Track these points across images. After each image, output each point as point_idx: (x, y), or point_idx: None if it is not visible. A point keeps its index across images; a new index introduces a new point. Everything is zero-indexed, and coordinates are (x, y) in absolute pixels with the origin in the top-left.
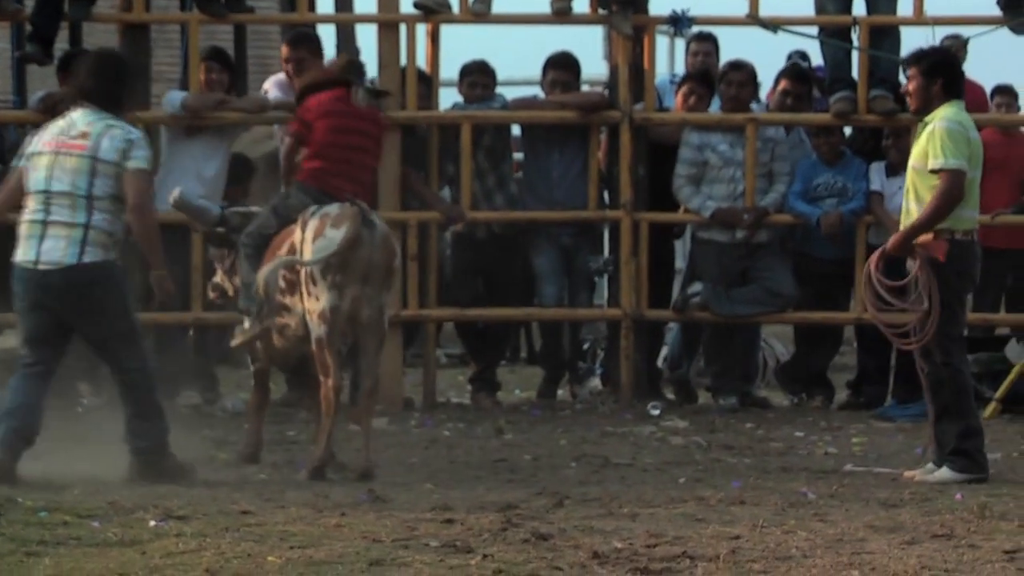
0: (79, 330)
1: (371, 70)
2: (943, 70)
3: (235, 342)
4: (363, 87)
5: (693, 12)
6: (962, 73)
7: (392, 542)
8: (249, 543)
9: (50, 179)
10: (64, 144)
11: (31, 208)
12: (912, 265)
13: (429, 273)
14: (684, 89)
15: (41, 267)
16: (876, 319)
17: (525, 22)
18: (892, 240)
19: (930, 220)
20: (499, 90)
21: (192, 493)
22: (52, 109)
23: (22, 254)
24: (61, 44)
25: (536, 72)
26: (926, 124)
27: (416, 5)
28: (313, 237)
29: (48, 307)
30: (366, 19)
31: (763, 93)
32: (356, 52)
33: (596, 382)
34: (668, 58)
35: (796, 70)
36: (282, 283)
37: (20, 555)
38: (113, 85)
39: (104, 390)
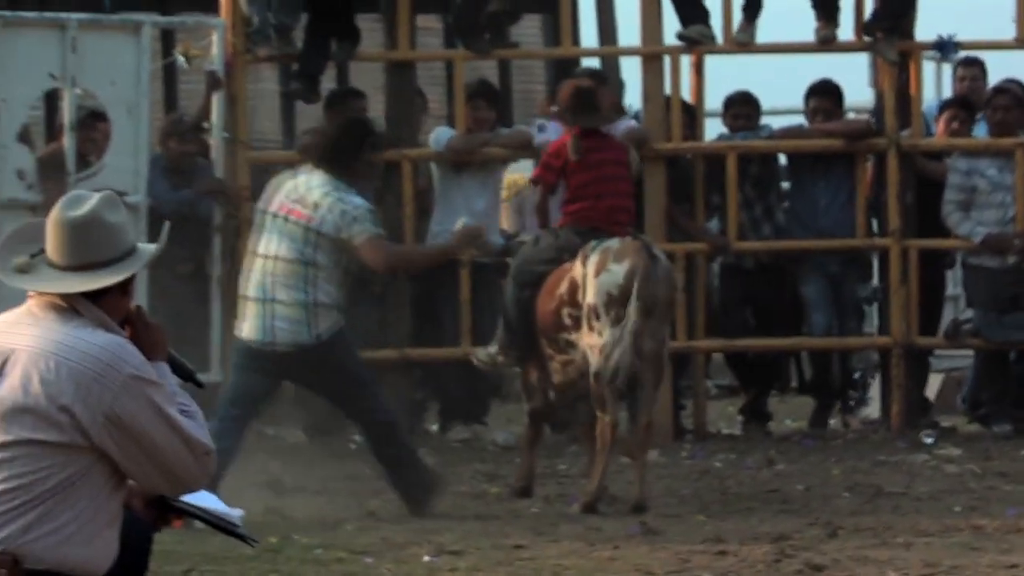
0: (318, 391)
1: (636, 102)
2: None
3: (476, 360)
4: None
5: (959, 37)
6: None
7: (665, 574)
8: None
9: (272, 243)
10: (290, 209)
11: (253, 277)
12: None
13: (697, 304)
14: (946, 115)
15: (278, 348)
16: None
17: (789, 51)
18: None
19: None
20: (764, 119)
21: (464, 528)
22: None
23: (251, 332)
24: (329, 83)
25: (801, 101)
26: None
27: (680, 36)
28: (596, 272)
29: (276, 376)
30: (630, 52)
31: None
32: (620, 85)
33: (868, 411)
34: (935, 84)
35: None
36: (567, 320)
37: None
38: (350, 154)
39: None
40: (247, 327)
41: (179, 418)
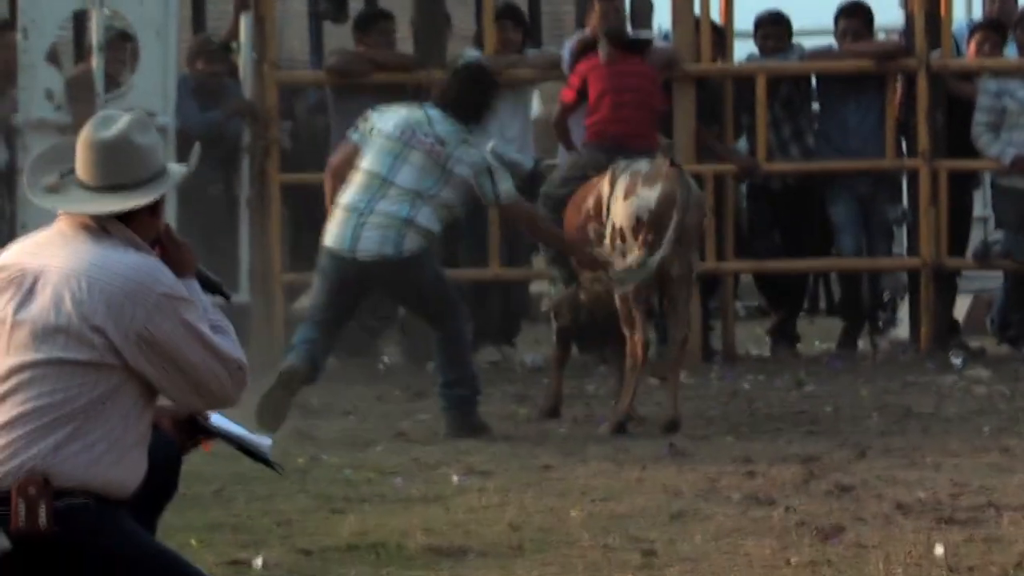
0: (398, 302)
1: (665, 23)
2: None
3: (545, 306)
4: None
5: None
6: None
7: (694, 495)
8: (551, 498)
9: (394, 169)
10: (420, 141)
11: (355, 190)
12: None
13: (726, 226)
14: (977, 37)
15: (360, 256)
16: None
17: None
18: None
19: None
20: (794, 40)
21: (493, 449)
22: (345, 71)
23: (337, 241)
24: (357, 4)
25: (831, 22)
26: None
27: None
28: (625, 194)
29: (359, 287)
30: None
31: None
32: (649, 6)
33: (897, 332)
34: (965, 5)
35: None
36: (592, 235)
37: (325, 512)
38: (477, 100)
39: (404, 349)
40: (332, 234)
41: (211, 335)
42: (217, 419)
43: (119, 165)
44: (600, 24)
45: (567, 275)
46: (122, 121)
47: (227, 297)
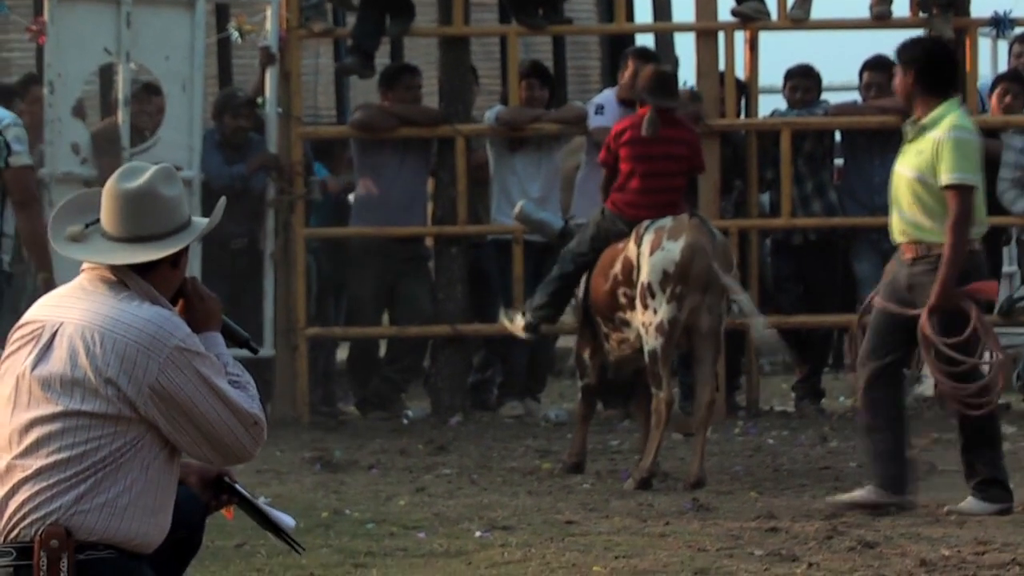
0: None
1: (690, 78)
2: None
3: (502, 323)
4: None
5: (1015, 13)
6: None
7: (717, 551)
8: (574, 553)
9: None
10: None
11: None
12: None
13: (750, 280)
14: (999, 89)
15: None
16: (951, 389)
17: (844, 27)
18: (935, 296)
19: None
20: (820, 95)
21: (516, 503)
22: (370, 126)
23: None
24: (383, 59)
25: (855, 78)
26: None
27: (734, 12)
28: (651, 251)
29: None
30: (684, 28)
31: None
32: (675, 61)
33: (922, 388)
34: (990, 60)
35: None
36: (622, 299)
37: (348, 567)
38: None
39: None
40: None
41: (227, 389)
42: (241, 487)
43: (143, 217)
44: (641, 86)
45: (591, 334)
46: (148, 173)
47: (254, 351)
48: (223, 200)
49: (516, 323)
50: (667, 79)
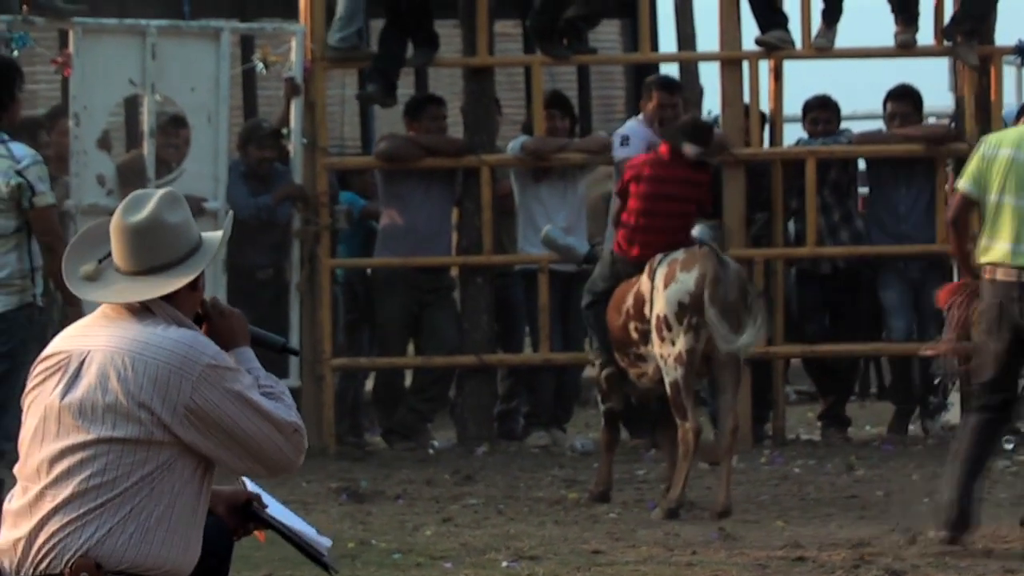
0: None
1: (715, 107)
2: None
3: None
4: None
5: None
6: None
7: None
8: None
9: None
10: None
11: None
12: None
13: (776, 310)
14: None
15: None
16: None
17: (869, 56)
18: None
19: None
20: (843, 124)
21: (543, 533)
22: (395, 156)
23: None
24: (408, 90)
25: (880, 106)
26: None
27: (758, 42)
28: (665, 284)
29: None
30: (709, 57)
31: None
32: (699, 91)
33: (948, 416)
34: (1016, 89)
35: None
36: (635, 334)
37: None
38: None
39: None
40: None
41: (263, 401)
42: (276, 509)
43: (154, 248)
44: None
45: (607, 359)
46: (152, 202)
47: (295, 352)
48: (231, 214)
49: (600, 374)
50: (704, 128)
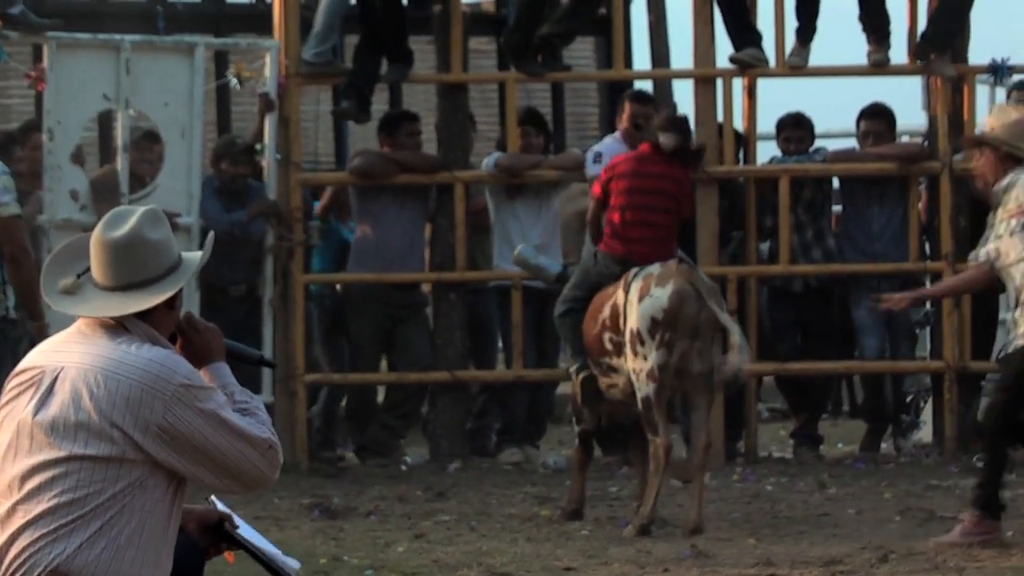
0: None
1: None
2: None
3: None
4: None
5: (1013, 61)
6: None
7: None
8: None
9: None
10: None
11: None
12: None
13: (748, 327)
14: None
15: None
16: None
17: (842, 74)
18: None
19: None
20: (817, 143)
21: (515, 550)
22: (369, 172)
23: None
24: (382, 105)
25: (853, 124)
26: None
27: (732, 59)
28: (639, 298)
29: None
30: (682, 75)
31: None
32: (673, 108)
33: (920, 435)
34: (988, 108)
35: None
36: (608, 345)
37: None
38: None
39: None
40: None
41: (236, 419)
42: (247, 531)
43: (133, 264)
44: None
45: (582, 363)
46: (133, 219)
47: (271, 365)
48: (211, 235)
49: (577, 379)
50: (679, 120)
